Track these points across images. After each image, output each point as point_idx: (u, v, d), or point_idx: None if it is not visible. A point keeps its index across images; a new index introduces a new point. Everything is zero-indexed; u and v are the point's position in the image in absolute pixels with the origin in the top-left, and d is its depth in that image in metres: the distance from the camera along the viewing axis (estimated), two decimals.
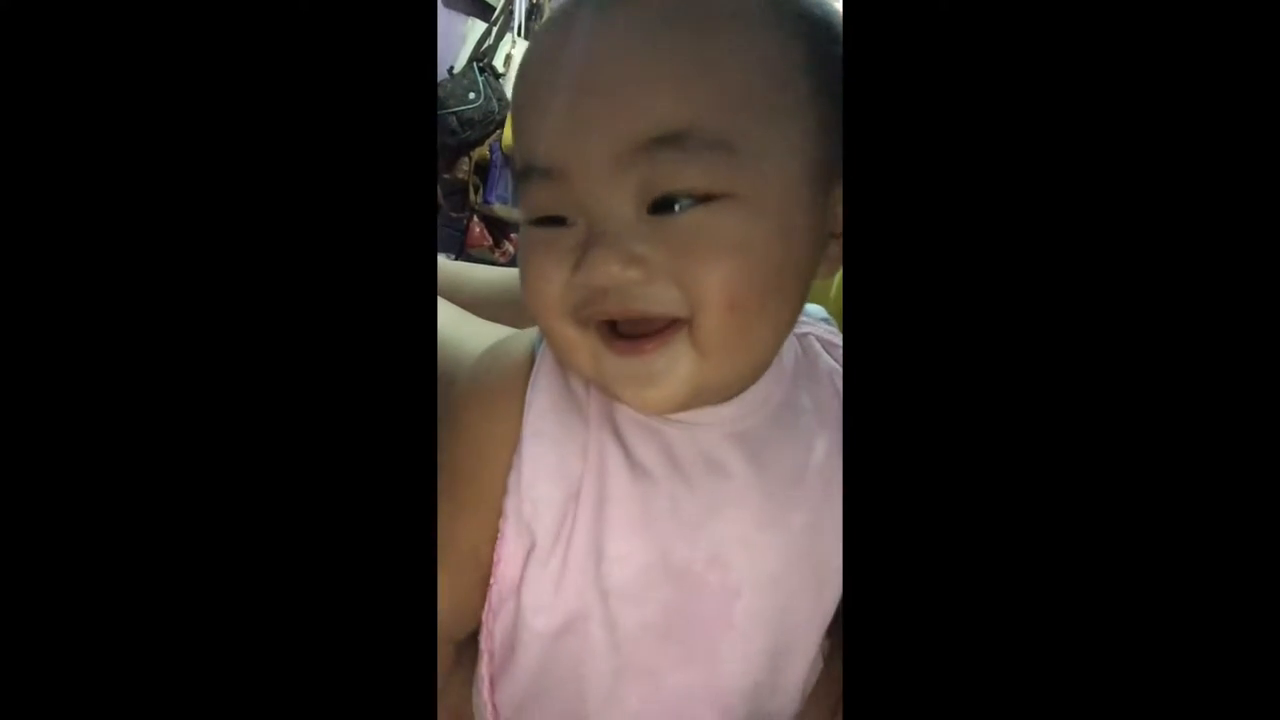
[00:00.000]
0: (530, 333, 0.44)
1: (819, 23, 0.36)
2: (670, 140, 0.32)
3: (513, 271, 0.91)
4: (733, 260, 0.33)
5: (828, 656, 0.47)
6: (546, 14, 2.38)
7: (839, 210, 0.38)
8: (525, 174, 0.36)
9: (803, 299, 0.38)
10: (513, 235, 2.56)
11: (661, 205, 0.33)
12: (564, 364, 0.40)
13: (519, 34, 2.37)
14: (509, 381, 0.42)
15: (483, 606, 0.44)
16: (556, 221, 0.35)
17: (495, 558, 0.42)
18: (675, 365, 0.35)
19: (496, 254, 2.51)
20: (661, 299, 0.34)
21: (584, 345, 0.36)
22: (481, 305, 0.72)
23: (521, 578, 0.41)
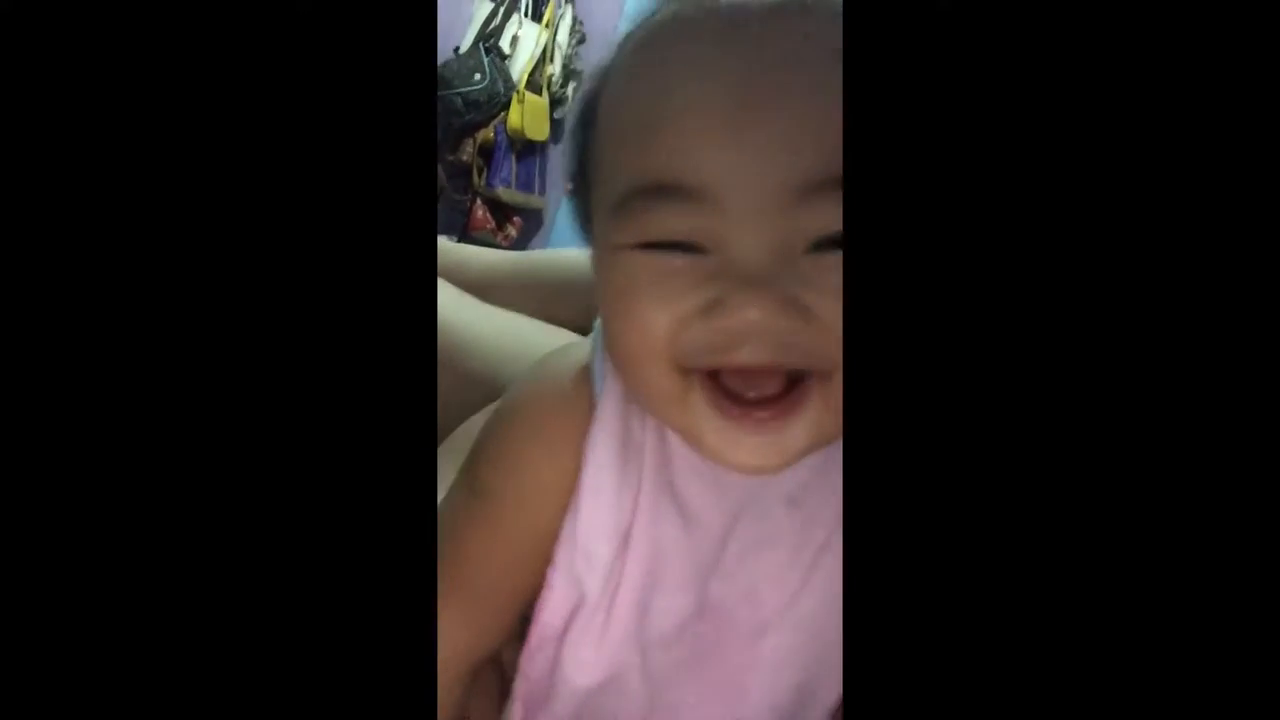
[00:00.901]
0: (581, 349, 0.41)
1: None
2: (838, 182, 0.29)
3: (515, 254, 0.92)
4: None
5: None
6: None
7: None
8: (648, 192, 0.31)
9: None
10: (515, 219, 2.55)
11: (822, 245, 0.30)
12: (648, 410, 0.37)
13: (526, 15, 2.34)
14: (568, 419, 0.39)
15: (503, 638, 0.42)
16: (680, 247, 0.31)
17: (540, 603, 0.40)
18: (799, 432, 0.32)
19: (499, 237, 2.49)
20: (811, 350, 0.31)
21: (682, 397, 0.33)
22: (486, 288, 0.71)
23: (565, 630, 0.40)
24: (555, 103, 2.43)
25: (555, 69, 2.42)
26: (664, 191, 0.31)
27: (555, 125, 2.44)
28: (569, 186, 0.39)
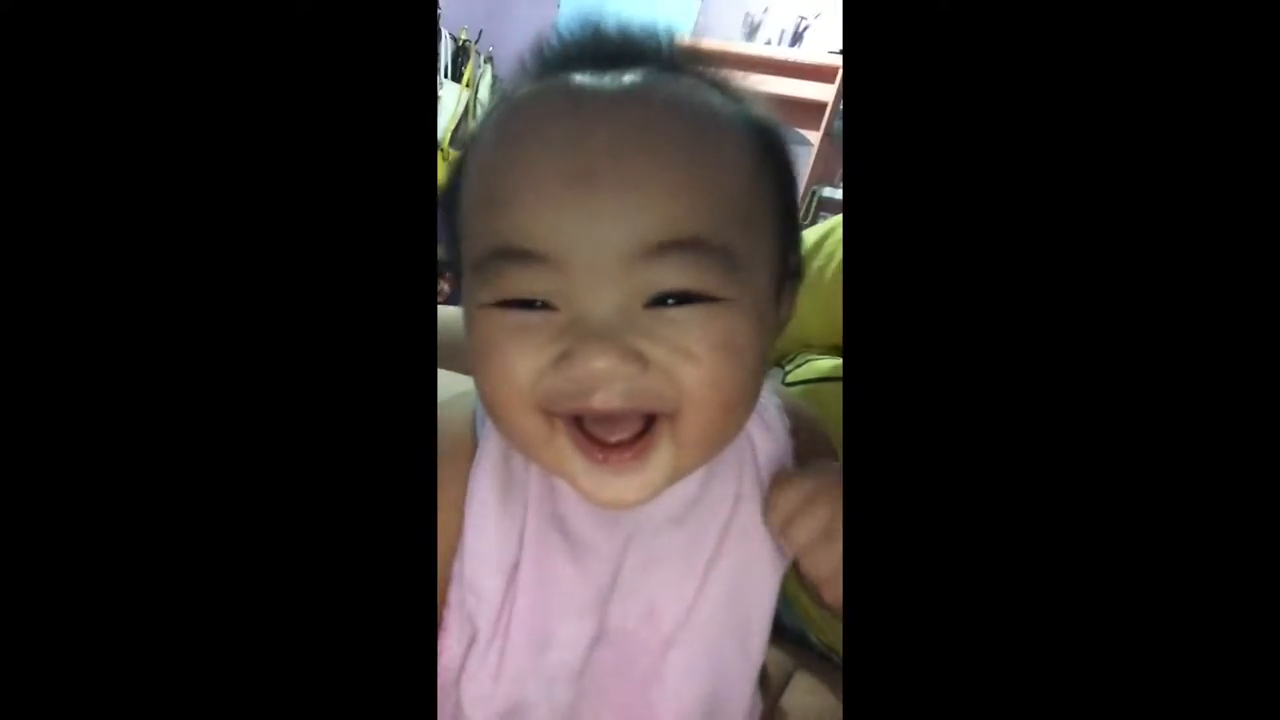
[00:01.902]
0: (468, 400, 0.43)
1: (770, 132, 0.37)
2: (681, 245, 0.32)
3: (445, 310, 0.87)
4: (726, 360, 0.34)
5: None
6: (474, 58, 2.43)
7: (791, 297, 0.40)
8: (500, 255, 0.34)
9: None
10: (446, 274, 2.52)
11: (658, 300, 0.33)
12: (520, 451, 0.39)
13: (445, 75, 2.42)
14: (451, 463, 0.41)
15: None
16: (533, 304, 0.34)
17: (439, 647, 0.41)
18: (655, 468, 0.35)
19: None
20: (654, 393, 0.33)
21: (549, 440, 0.35)
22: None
23: (461, 669, 0.41)
24: None
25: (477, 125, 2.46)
26: (514, 255, 0.33)
27: None
28: (441, 248, 0.42)
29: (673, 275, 0.33)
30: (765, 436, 0.44)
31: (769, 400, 0.46)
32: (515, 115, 0.36)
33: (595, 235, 0.32)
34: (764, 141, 0.37)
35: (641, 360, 0.33)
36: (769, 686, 0.48)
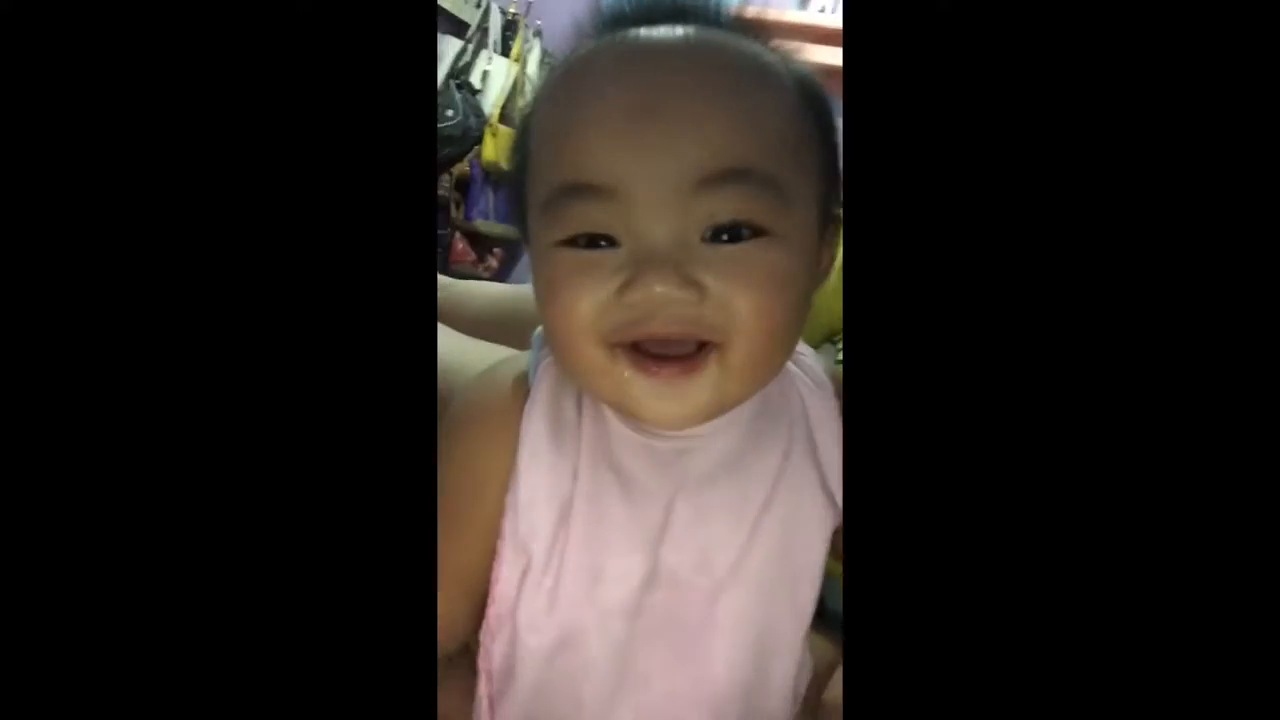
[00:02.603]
0: (522, 358, 0.45)
1: (811, 84, 0.39)
2: (735, 175, 0.34)
3: (514, 288, 0.89)
4: (776, 293, 0.35)
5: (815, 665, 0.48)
6: (522, 31, 2.42)
7: (832, 245, 0.41)
8: (566, 192, 0.36)
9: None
10: (495, 250, 2.53)
11: (716, 235, 0.35)
12: (581, 386, 0.42)
13: (495, 50, 2.41)
14: (505, 407, 0.43)
15: (474, 624, 0.44)
16: (597, 242, 0.36)
17: (493, 578, 0.42)
18: (703, 388, 0.36)
19: (480, 268, 2.46)
20: (708, 322, 0.35)
21: (610, 368, 0.37)
22: (485, 325, 0.74)
23: (518, 597, 0.42)
24: None
25: (527, 101, 2.45)
26: (578, 189, 0.35)
27: None
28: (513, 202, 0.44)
29: (728, 205, 0.35)
30: (815, 396, 0.46)
31: (818, 365, 0.48)
32: (576, 68, 0.38)
33: (653, 167, 0.34)
34: (806, 92, 0.39)
35: (698, 288, 0.35)
36: (814, 676, 0.49)
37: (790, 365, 0.46)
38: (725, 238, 0.35)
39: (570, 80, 0.38)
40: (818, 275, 0.40)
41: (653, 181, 0.34)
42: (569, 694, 0.42)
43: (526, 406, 0.42)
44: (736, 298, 0.35)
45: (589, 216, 0.36)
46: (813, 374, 0.47)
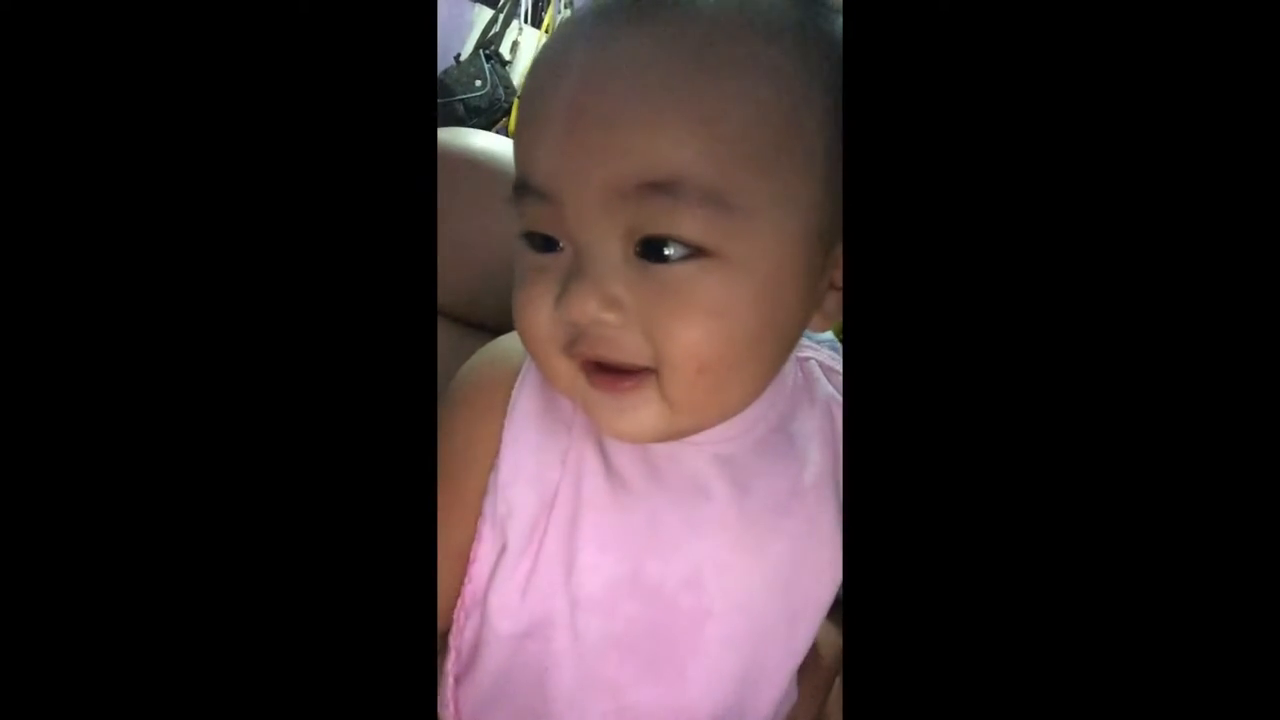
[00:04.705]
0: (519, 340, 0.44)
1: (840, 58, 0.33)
2: (662, 186, 0.30)
3: None
4: (707, 323, 0.32)
5: (802, 691, 0.46)
6: (554, 2, 2.40)
7: (839, 265, 0.36)
8: (518, 187, 0.34)
9: (785, 356, 0.37)
10: None
11: (650, 250, 0.32)
12: (553, 386, 0.39)
13: (526, 21, 2.39)
14: (496, 385, 0.41)
15: (452, 602, 0.43)
16: (548, 243, 0.34)
17: (471, 556, 0.41)
18: (647, 410, 0.34)
19: None
20: (631, 349, 0.33)
21: (572, 376, 0.35)
22: None
23: (491, 579, 0.41)
24: None
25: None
26: (523, 188, 0.34)
27: None
28: None
29: (654, 218, 0.31)
30: None
31: None
32: (543, 54, 0.35)
33: (582, 174, 0.31)
34: (826, 70, 0.32)
35: (620, 310, 0.32)
36: (821, 679, 0.48)
37: (825, 383, 0.43)
38: (666, 253, 0.31)
39: (535, 68, 0.35)
40: (812, 293, 0.35)
41: (580, 189, 0.32)
42: (533, 683, 0.41)
43: (517, 384, 0.41)
44: (661, 326, 0.32)
45: (535, 216, 0.34)
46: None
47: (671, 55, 0.31)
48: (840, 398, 0.43)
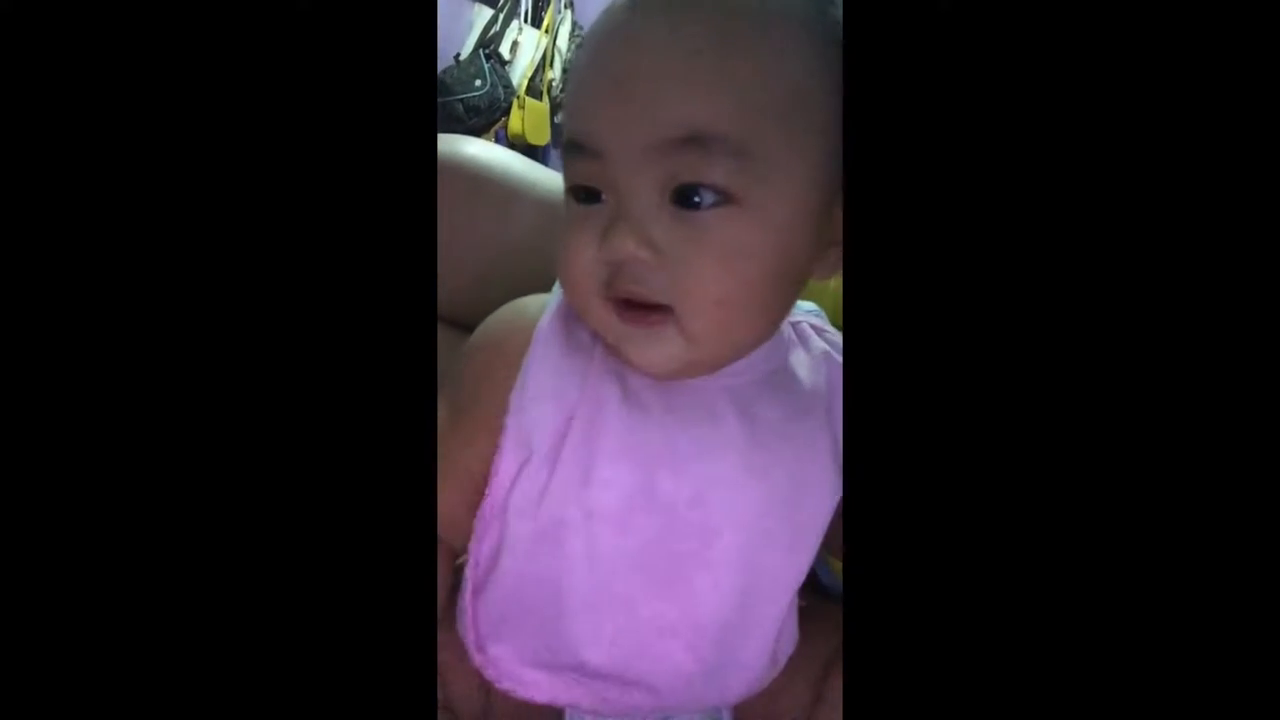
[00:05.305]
0: (546, 295, 0.47)
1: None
2: (694, 140, 0.35)
3: None
4: (728, 262, 0.36)
5: (806, 631, 0.49)
6: (554, 2, 2.40)
7: (839, 224, 0.40)
8: (570, 146, 0.38)
9: (794, 299, 0.42)
10: None
11: (682, 197, 0.36)
12: (587, 324, 0.43)
13: (526, 20, 2.39)
14: (520, 321, 0.45)
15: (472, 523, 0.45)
16: (592, 195, 0.38)
17: (492, 470, 0.43)
18: (670, 343, 0.38)
19: None
20: (659, 287, 0.37)
21: (605, 314, 0.39)
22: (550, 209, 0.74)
23: (512, 486, 0.43)
24: (556, 107, 2.42)
25: (555, 74, 2.42)
26: (575, 146, 0.38)
27: (556, 130, 2.41)
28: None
29: (689, 169, 0.35)
30: (840, 371, 0.46)
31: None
32: (600, 20, 0.39)
33: (626, 129, 0.36)
34: (832, 51, 0.37)
35: (654, 250, 0.37)
36: (817, 669, 0.50)
37: (817, 339, 0.48)
38: (696, 202, 0.36)
39: (591, 32, 0.40)
40: (819, 243, 0.40)
41: (624, 142, 0.36)
42: (549, 592, 0.43)
43: (541, 321, 0.44)
44: (687, 265, 0.36)
45: (583, 170, 0.38)
46: (841, 350, 0.48)
47: (702, 32, 0.35)
48: (831, 350, 0.48)
